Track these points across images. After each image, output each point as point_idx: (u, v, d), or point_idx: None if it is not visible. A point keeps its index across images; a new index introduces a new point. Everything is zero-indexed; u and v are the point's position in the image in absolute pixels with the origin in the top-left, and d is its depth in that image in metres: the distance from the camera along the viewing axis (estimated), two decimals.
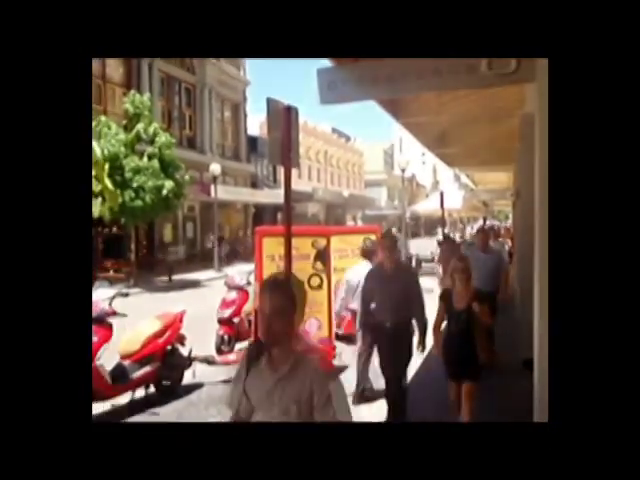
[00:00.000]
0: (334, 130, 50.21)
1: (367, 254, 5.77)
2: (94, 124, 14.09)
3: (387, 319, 4.44)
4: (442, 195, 13.15)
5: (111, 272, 15.94)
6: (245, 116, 29.00)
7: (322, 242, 6.81)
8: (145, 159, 15.02)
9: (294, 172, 4.19)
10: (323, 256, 6.79)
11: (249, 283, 7.81)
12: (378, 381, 5.02)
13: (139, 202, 14.52)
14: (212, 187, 19.97)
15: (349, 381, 5.08)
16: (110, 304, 5.31)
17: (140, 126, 15.13)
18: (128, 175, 14.56)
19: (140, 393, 5.49)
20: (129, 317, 5.47)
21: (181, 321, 5.98)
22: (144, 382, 5.45)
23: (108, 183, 13.48)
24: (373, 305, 4.59)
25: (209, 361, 6.31)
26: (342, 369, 5.81)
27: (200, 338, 6.86)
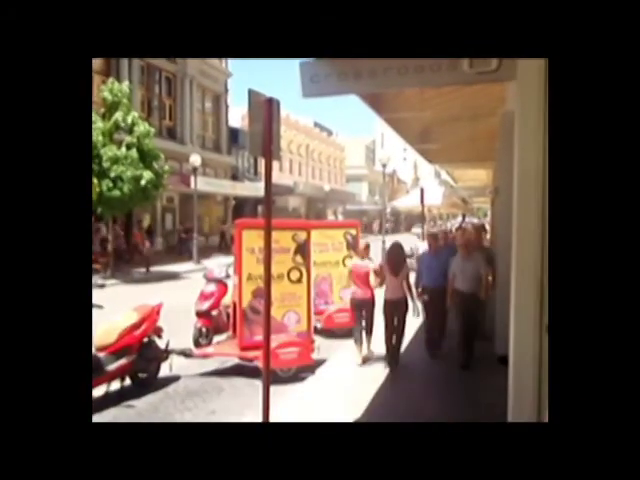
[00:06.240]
0: (316, 124, 50.11)
1: None
2: None
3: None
4: (422, 191, 13.26)
5: None
6: (226, 107, 28.73)
7: (302, 236, 6.80)
8: (123, 149, 14.75)
9: (275, 165, 4.18)
10: (303, 250, 6.78)
11: (228, 276, 7.76)
12: None
13: (117, 192, 14.27)
14: (192, 178, 19.78)
15: None
16: None
17: (118, 115, 14.84)
18: (106, 164, 14.29)
19: (116, 385, 5.43)
20: (105, 309, 5.38)
21: (158, 313, 5.92)
22: (120, 374, 5.40)
23: None
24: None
25: (186, 354, 6.26)
26: (321, 363, 5.81)
27: (178, 331, 6.81)
